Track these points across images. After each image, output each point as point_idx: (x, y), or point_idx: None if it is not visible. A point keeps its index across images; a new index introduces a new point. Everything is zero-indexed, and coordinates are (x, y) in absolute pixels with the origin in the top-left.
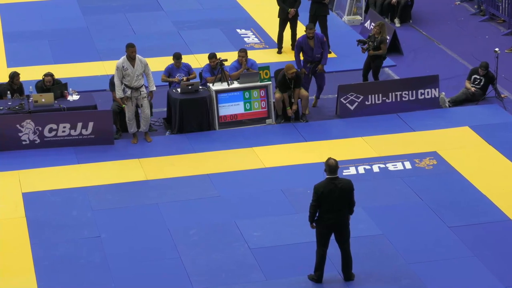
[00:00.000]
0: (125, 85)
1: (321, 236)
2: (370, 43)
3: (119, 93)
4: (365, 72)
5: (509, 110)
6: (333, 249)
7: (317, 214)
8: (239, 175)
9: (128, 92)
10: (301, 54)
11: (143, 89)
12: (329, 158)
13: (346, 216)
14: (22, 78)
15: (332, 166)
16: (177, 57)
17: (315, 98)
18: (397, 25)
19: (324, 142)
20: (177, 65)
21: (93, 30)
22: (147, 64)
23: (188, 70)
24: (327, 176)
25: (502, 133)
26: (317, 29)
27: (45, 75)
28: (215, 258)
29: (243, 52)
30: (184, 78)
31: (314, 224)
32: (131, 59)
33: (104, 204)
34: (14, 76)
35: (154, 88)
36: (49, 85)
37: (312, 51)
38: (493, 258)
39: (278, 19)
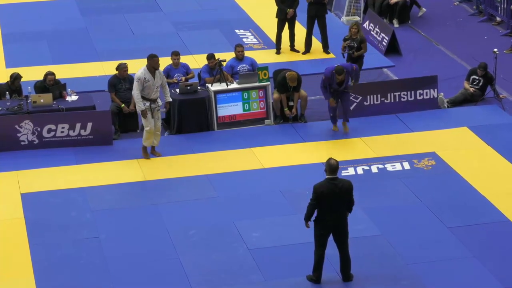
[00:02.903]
0: (142, 97)
1: (319, 237)
2: (352, 44)
3: (140, 106)
4: None
5: (507, 110)
6: (332, 250)
7: (315, 215)
8: (238, 175)
9: (147, 103)
10: None
11: (159, 100)
12: (330, 158)
13: (345, 216)
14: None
15: (332, 166)
16: (176, 53)
17: (344, 123)
18: (396, 25)
19: (322, 143)
20: (176, 63)
21: (92, 31)
22: (163, 75)
23: (186, 70)
24: (327, 176)
25: (500, 133)
26: (316, 30)
27: (48, 73)
28: (214, 259)
29: (240, 46)
30: (183, 78)
31: (309, 224)
32: (154, 70)
33: (103, 204)
34: (16, 78)
35: (171, 99)
36: (52, 83)
37: (342, 84)
38: (492, 258)
39: (276, 19)
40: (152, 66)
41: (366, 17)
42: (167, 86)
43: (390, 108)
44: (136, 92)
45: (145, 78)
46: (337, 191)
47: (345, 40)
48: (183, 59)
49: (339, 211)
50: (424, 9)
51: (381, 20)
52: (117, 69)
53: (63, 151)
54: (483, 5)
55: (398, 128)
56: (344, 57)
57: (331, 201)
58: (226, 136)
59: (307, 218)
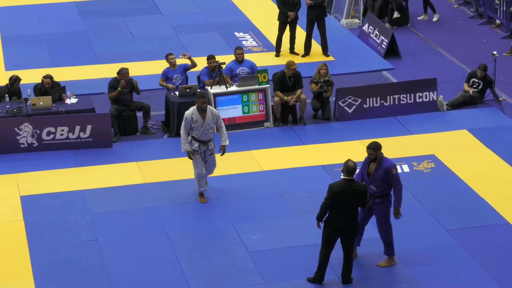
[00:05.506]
0: (192, 137)
1: (327, 238)
2: (329, 80)
3: (185, 147)
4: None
5: (507, 113)
6: (332, 253)
7: (326, 215)
8: (238, 178)
9: (196, 145)
10: None
11: (211, 143)
12: (349, 160)
13: (356, 219)
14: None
15: (350, 168)
16: (170, 54)
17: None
18: (388, 26)
19: (322, 145)
20: (172, 63)
21: (91, 34)
22: (219, 116)
23: (184, 68)
24: (343, 177)
25: (500, 136)
26: (316, 33)
27: (44, 77)
28: (214, 262)
29: (240, 49)
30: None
31: (321, 224)
32: (202, 110)
33: (103, 207)
34: (15, 80)
35: (227, 143)
36: (48, 87)
37: (368, 179)
38: (491, 261)
39: (278, 22)
40: (198, 106)
41: (365, 20)
42: (223, 128)
43: (390, 111)
44: (182, 132)
45: (192, 119)
46: (351, 192)
47: (314, 82)
48: (183, 62)
49: (350, 214)
50: (438, 15)
51: (381, 22)
52: (118, 73)
53: (62, 153)
54: (482, 7)
55: (398, 131)
56: (313, 95)
57: (343, 202)
58: None
59: (320, 218)
